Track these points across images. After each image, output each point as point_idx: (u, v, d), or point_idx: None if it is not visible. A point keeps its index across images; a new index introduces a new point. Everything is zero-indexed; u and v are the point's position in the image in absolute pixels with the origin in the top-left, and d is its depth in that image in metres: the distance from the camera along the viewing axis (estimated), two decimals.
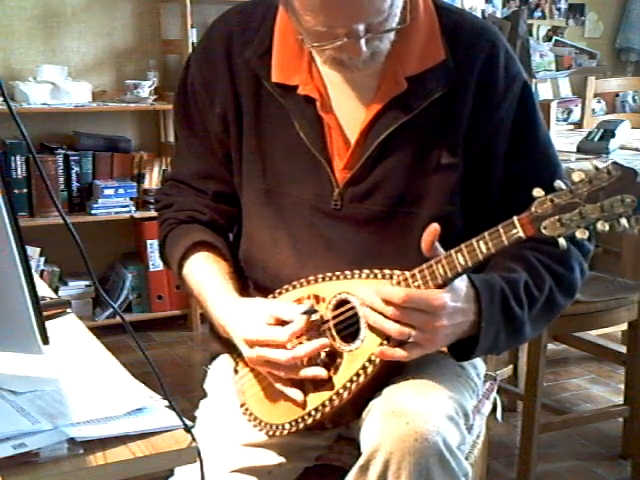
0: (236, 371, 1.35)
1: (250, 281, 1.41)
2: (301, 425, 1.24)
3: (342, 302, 1.25)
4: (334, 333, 1.24)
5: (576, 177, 1.09)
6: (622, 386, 2.55)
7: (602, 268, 3.53)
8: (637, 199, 1.06)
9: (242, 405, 1.31)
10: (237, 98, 1.35)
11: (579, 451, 2.59)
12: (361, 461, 1.15)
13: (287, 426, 1.25)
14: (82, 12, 3.60)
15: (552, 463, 2.50)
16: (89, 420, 0.90)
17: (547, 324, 1.35)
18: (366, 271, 1.24)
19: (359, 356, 1.21)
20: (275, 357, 1.21)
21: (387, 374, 1.22)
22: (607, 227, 1.07)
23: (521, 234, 1.10)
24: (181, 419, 0.91)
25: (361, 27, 1.16)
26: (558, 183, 1.09)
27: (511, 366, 2.74)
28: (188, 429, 0.91)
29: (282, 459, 1.28)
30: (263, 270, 1.38)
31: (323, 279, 1.27)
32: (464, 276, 1.19)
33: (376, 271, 1.23)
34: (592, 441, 2.64)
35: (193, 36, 3.56)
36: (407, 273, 1.19)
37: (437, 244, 1.17)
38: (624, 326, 2.59)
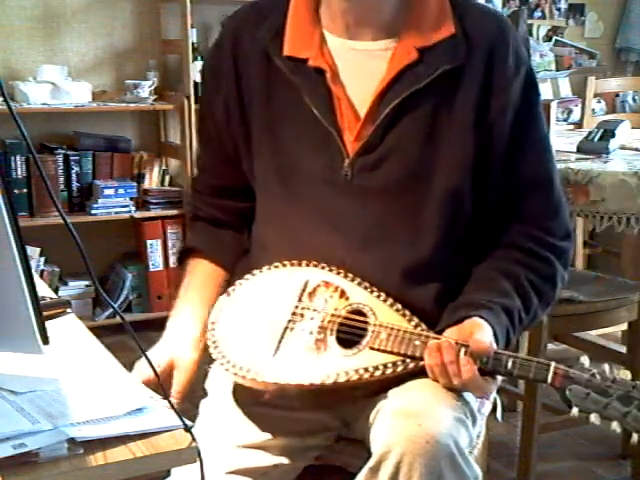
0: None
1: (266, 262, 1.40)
2: (250, 381, 1.24)
3: (360, 312, 1.27)
4: (335, 328, 1.26)
5: (623, 374, 1.16)
6: None
7: (602, 268, 3.53)
8: None
9: (211, 324, 1.32)
10: (239, 82, 1.37)
11: (579, 451, 2.59)
12: (372, 462, 1.15)
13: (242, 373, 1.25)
14: (82, 12, 3.60)
15: (552, 463, 2.50)
16: (89, 420, 0.90)
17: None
18: (399, 305, 1.27)
19: (344, 362, 1.22)
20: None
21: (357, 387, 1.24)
22: (618, 430, 1.14)
23: (549, 380, 1.20)
24: (181, 419, 0.91)
25: None
26: (606, 366, 1.17)
27: None
28: (188, 429, 0.91)
29: (279, 460, 1.28)
30: (275, 251, 1.37)
31: (359, 284, 1.29)
32: (479, 320, 1.23)
33: (407, 312, 1.27)
34: (592, 441, 2.64)
35: (193, 36, 3.56)
36: (432, 333, 1.24)
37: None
38: (624, 326, 2.59)
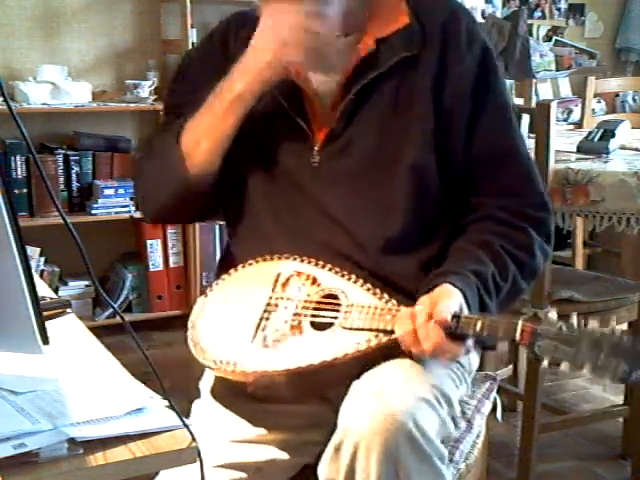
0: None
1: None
2: (228, 369, 1.25)
3: (333, 296, 1.29)
4: (309, 313, 1.28)
5: (591, 324, 1.15)
6: (622, 386, 2.55)
7: (602, 268, 3.53)
8: (629, 371, 1.10)
9: (191, 323, 1.33)
10: None
11: (579, 451, 2.59)
12: (335, 440, 1.17)
13: (213, 364, 1.26)
14: (82, 12, 3.60)
15: (552, 463, 2.50)
16: (89, 420, 0.90)
17: (511, 305, 1.42)
18: (369, 285, 1.29)
19: (317, 345, 1.24)
20: None
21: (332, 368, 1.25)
22: (590, 375, 1.12)
23: (517, 337, 1.17)
24: (181, 419, 0.91)
25: None
26: (574, 319, 1.16)
27: (511, 366, 2.74)
28: (188, 429, 0.91)
29: (275, 455, 1.29)
30: (264, 245, 1.39)
31: (330, 269, 1.32)
32: (448, 286, 1.24)
33: (377, 290, 1.29)
34: (592, 441, 2.64)
35: (193, 36, 3.56)
36: (403, 307, 1.24)
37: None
38: (624, 326, 2.59)
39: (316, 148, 1.37)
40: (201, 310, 1.35)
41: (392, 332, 1.23)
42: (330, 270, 1.33)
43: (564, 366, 1.13)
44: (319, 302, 1.30)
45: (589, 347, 1.12)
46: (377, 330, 1.24)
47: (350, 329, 1.25)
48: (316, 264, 1.34)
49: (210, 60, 1.44)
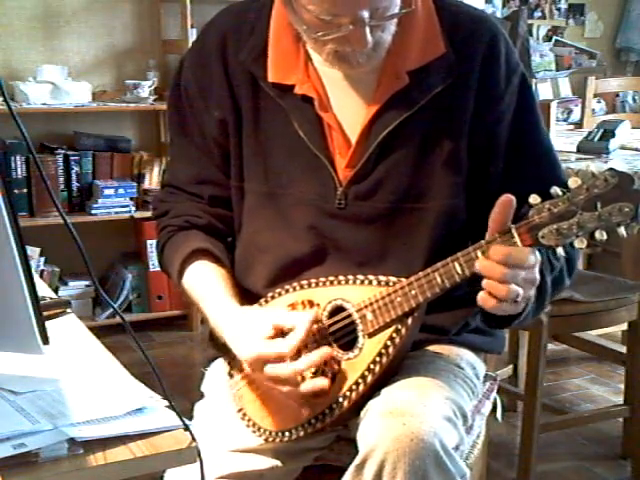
0: (231, 375, 1.34)
1: (243, 286, 1.37)
2: (301, 433, 1.24)
3: (337, 309, 1.24)
4: (331, 340, 1.23)
5: (572, 183, 1.07)
6: (622, 386, 2.55)
7: (602, 268, 3.53)
8: (635, 207, 1.05)
9: (239, 410, 1.30)
10: (235, 102, 1.34)
11: (579, 451, 2.59)
12: (357, 460, 1.15)
13: (287, 434, 1.25)
14: (82, 12, 3.60)
15: (552, 463, 2.50)
16: (89, 420, 0.90)
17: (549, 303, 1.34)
18: (360, 277, 1.24)
19: (358, 364, 1.21)
20: (276, 373, 1.19)
21: (385, 378, 1.22)
22: (605, 236, 1.07)
23: (519, 243, 1.10)
24: (181, 419, 0.91)
25: (366, 14, 1.16)
26: (554, 189, 1.08)
27: (511, 366, 2.74)
28: (188, 429, 0.91)
29: (276, 462, 1.27)
30: (261, 274, 1.36)
31: (317, 284, 1.27)
32: (535, 251, 1.12)
33: (371, 277, 1.23)
34: (592, 441, 2.64)
35: (193, 36, 3.56)
36: (404, 280, 1.19)
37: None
38: (624, 326, 2.59)
39: (341, 189, 1.29)
40: (238, 398, 1.32)
41: (413, 310, 1.18)
42: (317, 285, 1.27)
43: (578, 243, 1.08)
44: (331, 324, 1.24)
45: (586, 209, 1.06)
46: (399, 316, 1.18)
47: (375, 333, 1.20)
48: (301, 287, 1.28)
49: (210, 87, 1.35)
